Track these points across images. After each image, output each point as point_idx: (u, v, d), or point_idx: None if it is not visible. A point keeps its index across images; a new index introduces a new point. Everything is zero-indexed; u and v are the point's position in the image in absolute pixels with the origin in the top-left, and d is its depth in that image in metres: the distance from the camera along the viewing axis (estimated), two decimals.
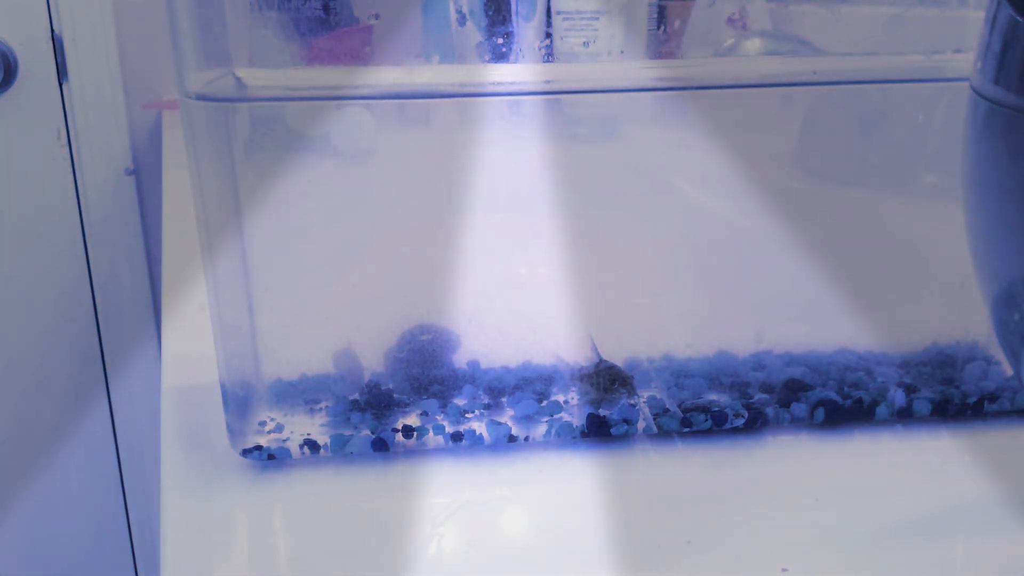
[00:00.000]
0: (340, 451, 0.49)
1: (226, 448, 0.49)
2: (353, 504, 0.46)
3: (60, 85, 1.25)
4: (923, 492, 0.47)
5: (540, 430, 0.50)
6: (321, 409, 0.51)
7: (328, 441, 0.49)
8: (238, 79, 0.46)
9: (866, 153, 0.54)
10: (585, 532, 0.44)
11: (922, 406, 0.52)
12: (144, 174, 1.32)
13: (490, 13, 0.47)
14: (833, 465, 0.49)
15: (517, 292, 0.52)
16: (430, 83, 0.48)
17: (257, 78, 0.47)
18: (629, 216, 0.53)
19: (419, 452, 0.50)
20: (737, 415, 0.51)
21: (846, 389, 0.53)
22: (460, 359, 0.52)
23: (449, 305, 0.51)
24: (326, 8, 0.46)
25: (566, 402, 0.52)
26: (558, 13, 0.51)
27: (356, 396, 0.51)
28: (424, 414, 0.51)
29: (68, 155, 1.28)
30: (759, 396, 0.53)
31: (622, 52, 0.52)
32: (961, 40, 0.48)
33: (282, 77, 0.48)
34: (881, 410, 0.52)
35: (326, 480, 0.48)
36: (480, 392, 0.52)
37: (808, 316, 0.55)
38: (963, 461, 0.50)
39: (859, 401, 0.52)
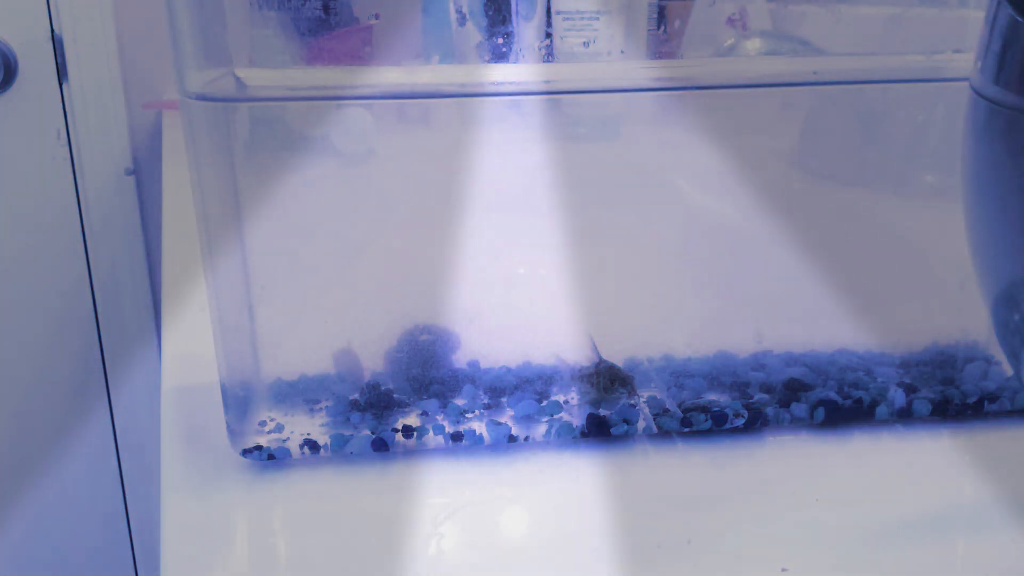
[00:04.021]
0: (340, 451, 0.49)
1: (226, 448, 0.49)
2: (353, 504, 0.46)
3: (60, 85, 1.25)
4: (923, 492, 0.47)
5: (540, 430, 0.50)
6: (321, 409, 0.51)
7: (328, 441, 0.49)
8: (238, 79, 0.46)
9: (866, 153, 0.54)
10: (585, 532, 0.44)
11: (922, 406, 0.52)
12: (144, 174, 1.32)
13: (490, 13, 0.47)
14: (833, 465, 0.49)
15: (517, 292, 0.52)
16: (430, 83, 0.48)
17: (257, 78, 0.47)
18: (629, 216, 0.53)
19: (419, 452, 0.50)
20: (737, 415, 0.51)
21: (846, 389, 0.53)
22: (460, 359, 0.52)
23: (449, 305, 0.51)
24: (326, 8, 0.46)
25: (566, 402, 0.52)
26: (558, 13, 0.51)
27: (356, 396, 0.51)
28: (424, 414, 0.51)
29: (68, 155, 1.28)
30: (759, 396, 0.53)
31: (622, 52, 0.52)
32: (961, 40, 0.48)
33: (282, 77, 0.48)
34: (881, 410, 0.52)
35: (326, 480, 0.48)
36: (480, 392, 0.52)
37: (808, 316, 0.55)
38: (963, 461, 0.50)
39: (859, 401, 0.52)
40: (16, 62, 1.23)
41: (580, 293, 0.52)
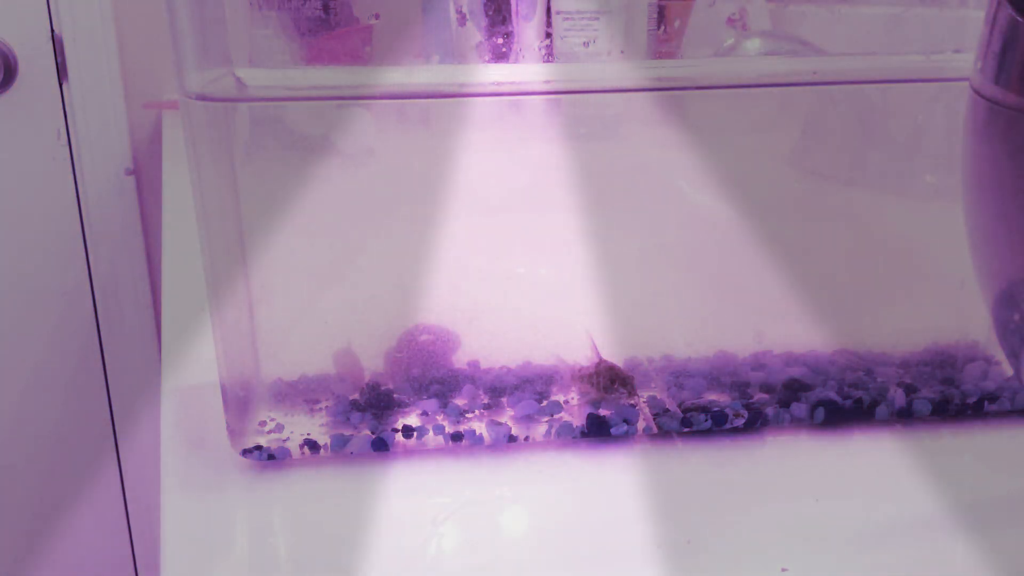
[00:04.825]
0: (340, 451, 0.49)
1: (226, 448, 0.49)
2: (353, 504, 0.46)
3: (60, 85, 1.25)
4: (923, 492, 0.47)
5: (540, 430, 0.50)
6: (321, 409, 0.51)
7: (328, 441, 0.49)
8: (238, 79, 0.46)
9: (866, 153, 0.54)
10: (585, 532, 0.44)
11: (922, 406, 0.52)
12: (144, 174, 1.32)
13: (490, 13, 0.47)
14: (833, 465, 0.49)
15: (517, 292, 0.52)
16: (430, 83, 0.48)
17: (257, 78, 0.47)
18: (629, 216, 0.53)
19: (419, 452, 0.50)
20: (737, 415, 0.51)
21: (846, 389, 0.53)
22: (460, 359, 0.52)
23: (449, 305, 0.51)
24: (326, 8, 0.46)
25: (566, 402, 0.52)
26: (558, 13, 0.51)
27: (356, 396, 0.51)
28: (424, 414, 0.51)
29: (68, 155, 1.28)
30: (759, 396, 0.53)
31: (622, 52, 0.52)
32: (961, 40, 0.48)
33: (282, 77, 0.48)
34: (881, 410, 0.52)
35: (326, 480, 0.48)
36: (480, 392, 0.52)
37: (808, 316, 0.55)
38: (963, 461, 0.50)
39: (859, 401, 0.52)
40: (16, 62, 1.23)
41: (580, 293, 0.52)
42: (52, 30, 1.23)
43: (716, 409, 0.51)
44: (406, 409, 0.51)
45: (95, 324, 1.35)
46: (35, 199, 1.29)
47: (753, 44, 0.53)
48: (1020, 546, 0.43)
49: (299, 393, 0.51)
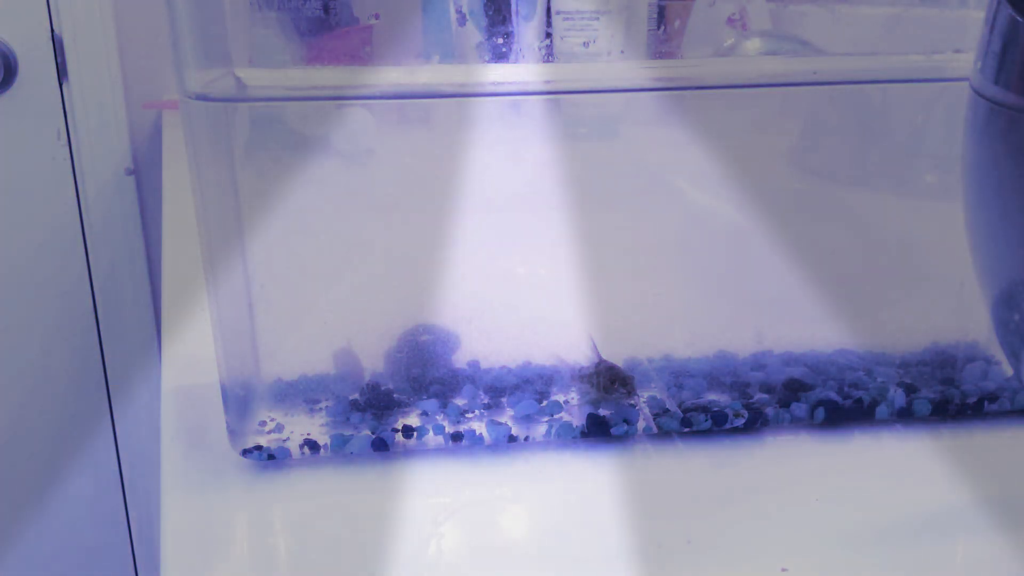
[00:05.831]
0: (340, 451, 0.49)
1: (226, 448, 0.49)
2: (353, 504, 0.46)
3: (60, 85, 1.25)
4: (923, 492, 0.47)
5: (540, 430, 0.50)
6: (321, 409, 0.51)
7: (328, 441, 0.49)
8: (238, 79, 0.46)
9: (866, 153, 0.54)
10: (585, 532, 0.44)
11: (922, 406, 0.52)
12: (144, 174, 1.31)
13: (490, 13, 0.47)
14: (833, 465, 0.49)
15: (517, 292, 0.52)
16: (430, 83, 0.48)
17: (257, 78, 0.47)
18: (629, 216, 0.53)
19: (419, 452, 0.50)
20: (737, 415, 0.51)
21: (846, 389, 0.53)
22: (460, 359, 0.52)
23: (449, 305, 0.51)
24: (326, 8, 0.46)
25: (566, 402, 0.52)
26: (558, 13, 0.51)
27: (356, 396, 0.51)
28: (424, 414, 0.51)
29: (68, 155, 1.28)
30: (759, 396, 0.53)
31: (622, 52, 0.52)
32: (961, 40, 0.48)
33: (282, 77, 0.48)
34: (881, 410, 0.52)
35: (326, 480, 0.48)
36: (480, 392, 0.52)
37: (808, 316, 0.55)
38: (963, 461, 0.50)
39: (859, 401, 0.52)
40: (16, 62, 1.23)
41: (580, 293, 0.52)
42: (52, 30, 1.23)
43: (716, 409, 0.51)
44: (406, 409, 0.51)
45: (95, 324, 1.35)
46: (35, 199, 1.29)
47: (753, 44, 0.53)
48: (1020, 546, 0.43)
49: (299, 393, 0.51)
